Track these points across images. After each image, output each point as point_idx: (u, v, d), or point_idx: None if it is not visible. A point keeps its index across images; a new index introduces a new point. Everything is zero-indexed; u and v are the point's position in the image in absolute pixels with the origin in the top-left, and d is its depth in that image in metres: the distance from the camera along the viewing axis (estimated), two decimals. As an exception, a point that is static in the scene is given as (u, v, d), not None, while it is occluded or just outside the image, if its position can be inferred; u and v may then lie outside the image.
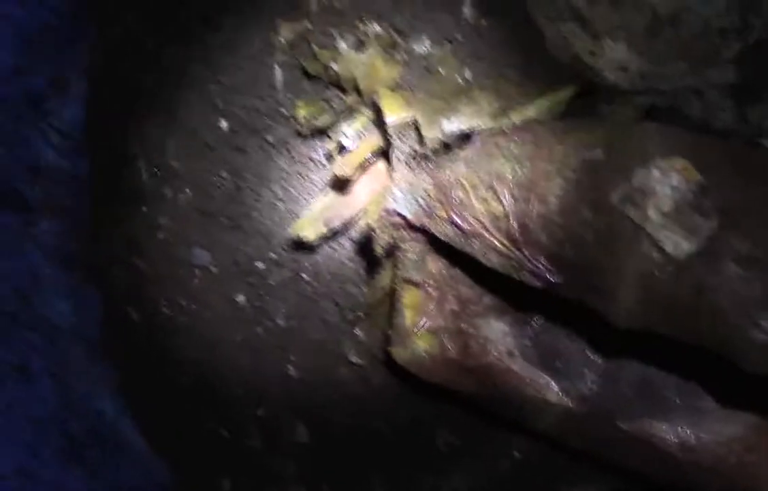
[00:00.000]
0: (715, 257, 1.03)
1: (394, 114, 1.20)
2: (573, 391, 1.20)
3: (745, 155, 1.14)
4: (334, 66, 1.27)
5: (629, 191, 1.06)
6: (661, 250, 1.03)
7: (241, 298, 1.36)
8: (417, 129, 1.19)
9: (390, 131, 1.20)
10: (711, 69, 1.19)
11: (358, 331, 1.32)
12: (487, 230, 1.13)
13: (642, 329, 1.06)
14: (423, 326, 1.23)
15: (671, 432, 1.17)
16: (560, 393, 1.20)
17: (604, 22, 1.23)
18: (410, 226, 1.18)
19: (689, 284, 1.03)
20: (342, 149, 1.26)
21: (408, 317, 1.23)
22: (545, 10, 1.25)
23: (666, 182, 1.06)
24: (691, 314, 1.02)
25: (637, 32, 1.21)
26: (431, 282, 1.22)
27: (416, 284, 1.22)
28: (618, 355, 1.20)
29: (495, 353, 1.22)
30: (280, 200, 1.32)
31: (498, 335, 1.23)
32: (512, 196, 1.12)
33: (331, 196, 1.27)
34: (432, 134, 1.18)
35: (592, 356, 1.22)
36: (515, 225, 1.12)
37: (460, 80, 1.24)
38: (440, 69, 1.25)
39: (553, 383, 1.21)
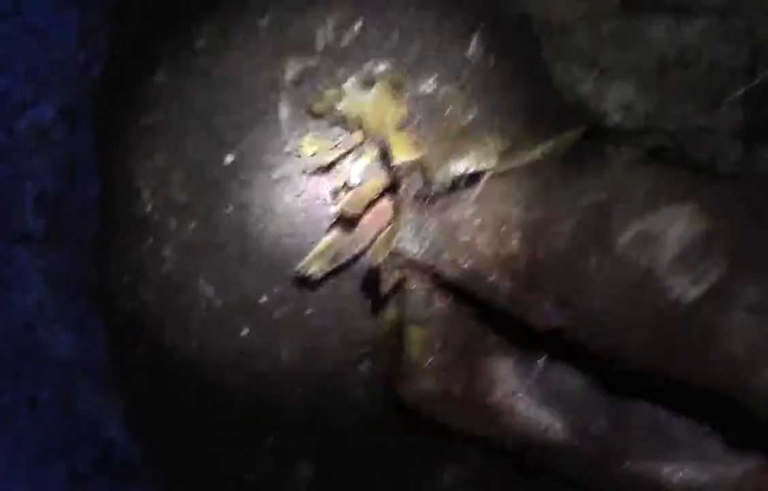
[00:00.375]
0: (724, 302, 1.02)
1: (401, 154, 1.19)
2: (579, 430, 1.18)
3: (754, 198, 1.12)
4: (340, 105, 1.25)
5: (637, 235, 1.05)
6: (670, 295, 1.01)
7: (245, 332, 1.34)
8: (424, 170, 1.17)
9: (397, 171, 1.18)
10: (719, 110, 1.18)
11: (363, 368, 1.30)
12: (494, 273, 1.11)
13: (650, 373, 1.04)
14: (428, 364, 1.21)
15: (678, 474, 1.15)
16: (566, 433, 1.18)
17: (611, 63, 1.21)
18: (416, 266, 1.16)
19: (698, 329, 1.01)
20: (348, 187, 1.25)
21: (414, 355, 1.21)
22: (552, 49, 1.23)
23: (674, 226, 1.04)
24: (700, 359, 1.01)
25: (644, 73, 1.20)
26: (437, 321, 1.21)
27: (422, 323, 1.20)
28: (625, 395, 1.18)
29: (500, 392, 1.21)
30: (286, 235, 1.31)
31: (503, 374, 1.21)
32: (519, 238, 1.10)
33: (337, 233, 1.26)
34: (439, 175, 1.16)
35: (598, 396, 1.20)
36: (522, 268, 1.10)
37: (467, 120, 1.23)
38: (447, 108, 1.24)
39: (558, 422, 1.19)
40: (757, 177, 1.17)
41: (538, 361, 1.23)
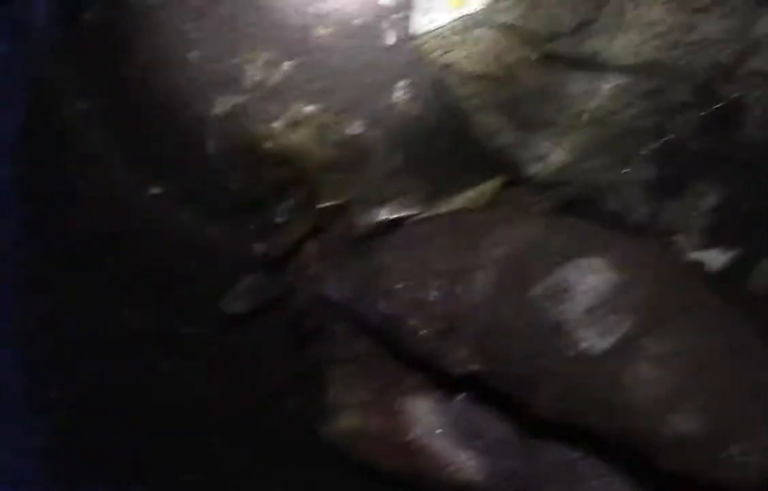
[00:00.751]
0: (630, 354, 1.05)
1: (327, 197, 1.19)
2: (494, 470, 1.21)
3: (658, 254, 1.17)
4: (268, 144, 1.25)
5: (550, 288, 1.08)
6: (580, 346, 1.04)
7: (165, 366, 1.32)
8: (349, 213, 1.18)
9: (322, 213, 1.19)
10: (628, 167, 1.22)
11: (285, 406, 1.30)
12: (413, 317, 1.13)
13: (561, 421, 1.07)
14: (349, 403, 1.22)
15: (589, 513, 1.18)
16: (481, 472, 1.20)
17: (530, 116, 1.24)
18: (339, 308, 1.17)
19: (605, 380, 1.04)
20: (273, 226, 1.25)
21: (334, 394, 1.22)
22: (474, 100, 1.26)
23: (584, 280, 1.08)
24: (607, 410, 1.04)
25: (561, 127, 1.24)
26: (358, 361, 1.22)
27: (343, 363, 1.21)
28: (539, 436, 1.21)
29: (419, 431, 1.22)
30: (211, 271, 1.29)
31: (422, 413, 1.23)
32: (438, 286, 1.13)
33: (262, 272, 1.25)
34: (363, 220, 1.17)
35: (513, 437, 1.23)
36: (441, 314, 1.12)
37: (391, 166, 1.24)
38: (372, 153, 1.25)
39: (473, 461, 1.21)
40: (662, 232, 1.22)
41: (456, 401, 1.25)
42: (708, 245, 1.23)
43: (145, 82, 1.35)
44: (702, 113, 1.22)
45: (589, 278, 1.08)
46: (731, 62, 1.20)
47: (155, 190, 1.33)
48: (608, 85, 1.23)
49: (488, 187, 1.22)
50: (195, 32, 1.31)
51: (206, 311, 1.30)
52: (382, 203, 1.18)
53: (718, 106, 1.22)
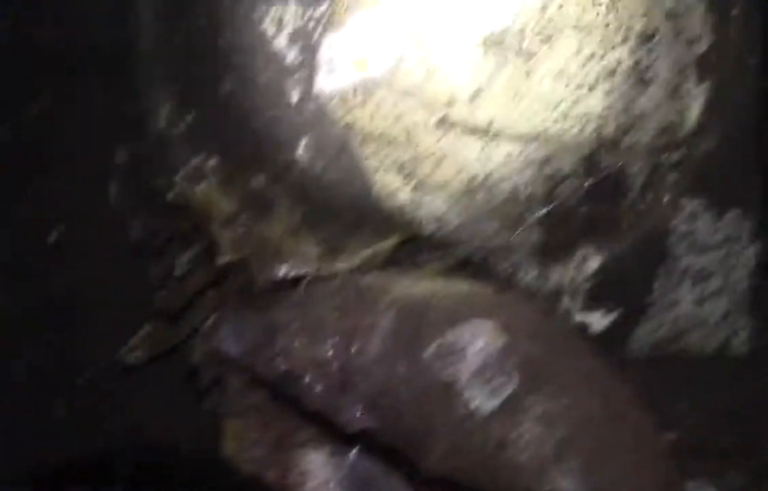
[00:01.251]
0: (516, 414, 1.08)
1: (227, 250, 1.19)
2: (385, 521, 1.21)
3: (545, 316, 1.21)
4: (170, 194, 1.23)
5: (442, 348, 1.10)
6: (469, 407, 1.06)
7: (60, 412, 1.28)
8: (248, 268, 1.17)
9: (221, 266, 1.18)
10: (518, 230, 1.26)
11: (180, 458, 1.27)
12: (308, 375, 1.13)
13: (449, 479, 1.08)
14: (244, 456, 1.20)
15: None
16: (373, 523, 1.20)
17: (427, 180, 1.27)
18: (235, 363, 1.16)
19: (492, 440, 1.07)
20: (173, 277, 1.23)
21: (230, 447, 1.20)
22: (375, 160, 1.28)
23: (474, 341, 1.10)
24: (492, 468, 1.07)
25: (455, 191, 1.26)
26: (254, 414, 1.21)
27: (238, 416, 1.20)
28: (431, 486, 1.22)
29: (313, 484, 1.22)
30: (109, 319, 1.26)
31: (316, 465, 1.22)
32: (334, 343, 1.13)
33: (160, 322, 1.23)
34: (262, 276, 1.17)
35: (406, 488, 1.23)
36: (335, 371, 1.13)
37: (291, 222, 1.24)
38: (274, 208, 1.25)
39: (366, 513, 1.21)
40: (550, 294, 1.26)
41: (350, 454, 1.25)
42: (591, 307, 1.27)
43: (48, 125, 1.31)
44: (587, 182, 1.26)
45: (479, 340, 1.10)
46: (614, 135, 1.25)
47: (54, 235, 1.28)
48: (501, 151, 1.26)
49: (385, 246, 1.23)
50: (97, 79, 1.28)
51: (102, 359, 1.26)
52: (281, 259, 1.18)
53: (602, 176, 1.26)
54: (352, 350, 1.12)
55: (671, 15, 1.24)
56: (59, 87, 1.28)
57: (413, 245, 1.28)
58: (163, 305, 1.23)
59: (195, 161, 1.28)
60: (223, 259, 1.18)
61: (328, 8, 1.28)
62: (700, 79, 1.26)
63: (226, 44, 1.30)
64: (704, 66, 1.26)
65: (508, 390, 1.08)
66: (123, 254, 1.28)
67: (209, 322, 1.23)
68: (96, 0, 1.33)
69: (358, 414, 1.12)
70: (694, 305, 1.28)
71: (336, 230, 1.27)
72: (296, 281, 1.18)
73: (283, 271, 1.18)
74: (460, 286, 1.20)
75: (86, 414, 1.28)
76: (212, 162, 1.28)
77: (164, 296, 1.22)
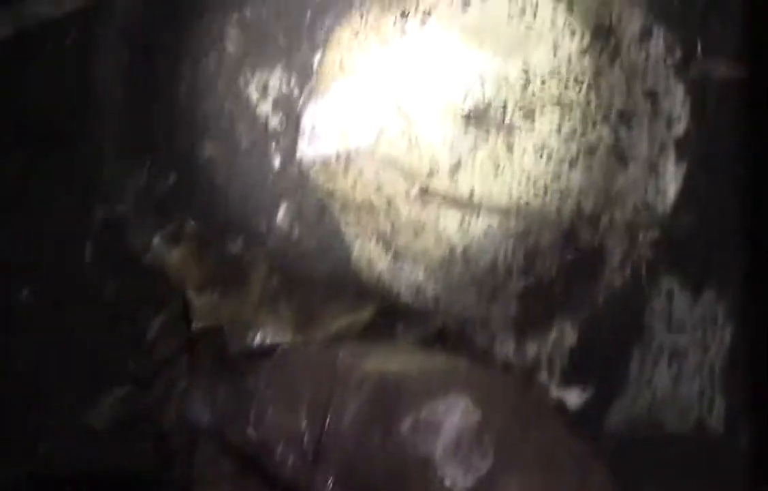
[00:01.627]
0: (489, 492, 1.05)
1: (202, 316, 1.16)
2: None
3: (522, 391, 1.18)
4: (146, 256, 1.21)
5: (417, 423, 1.07)
6: (443, 484, 1.03)
7: (21, 481, 1.23)
8: (222, 335, 1.15)
9: (195, 332, 1.15)
10: (496, 302, 1.24)
11: (146, 526, 1.23)
12: (282, 444, 1.10)
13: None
14: (212, 526, 1.16)
15: None
16: None
17: (406, 249, 1.25)
18: (206, 429, 1.12)
19: (465, 518, 1.03)
20: (145, 341, 1.19)
21: (198, 516, 1.16)
22: (355, 228, 1.26)
23: (450, 417, 1.07)
24: (466, 548, 1.03)
25: (434, 262, 1.25)
26: (223, 484, 1.17)
27: (210, 484, 1.16)
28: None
29: (281, 554, 1.18)
30: (77, 382, 1.22)
31: (286, 535, 1.18)
32: (308, 415, 1.10)
33: (129, 387, 1.19)
34: (236, 343, 1.14)
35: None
36: (309, 443, 1.10)
37: (268, 288, 1.22)
38: (250, 274, 1.22)
39: None
40: (527, 368, 1.24)
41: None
42: (569, 383, 1.25)
43: (23, 180, 1.28)
44: (566, 257, 1.25)
45: (455, 415, 1.08)
46: (594, 211, 1.24)
47: (25, 292, 1.25)
48: (481, 224, 1.25)
49: (362, 315, 1.21)
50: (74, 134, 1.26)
51: (70, 422, 1.22)
52: (256, 326, 1.15)
53: (580, 251, 1.25)
54: (326, 422, 1.09)
55: (651, 95, 1.25)
56: (35, 147, 1.26)
57: (391, 315, 1.26)
58: (134, 369, 1.19)
59: (173, 223, 1.25)
60: (196, 324, 1.15)
61: (312, 76, 1.27)
62: (679, 158, 1.26)
63: (209, 109, 1.28)
64: (682, 146, 1.26)
65: (483, 468, 1.06)
66: (95, 316, 1.24)
67: (181, 388, 1.19)
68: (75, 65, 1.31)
69: (330, 488, 1.08)
70: (670, 384, 1.26)
71: (313, 299, 1.24)
72: (270, 349, 1.15)
73: (257, 339, 1.15)
74: (437, 358, 1.17)
75: (49, 482, 1.23)
76: (190, 225, 1.25)
77: (136, 360, 1.19)
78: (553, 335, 1.27)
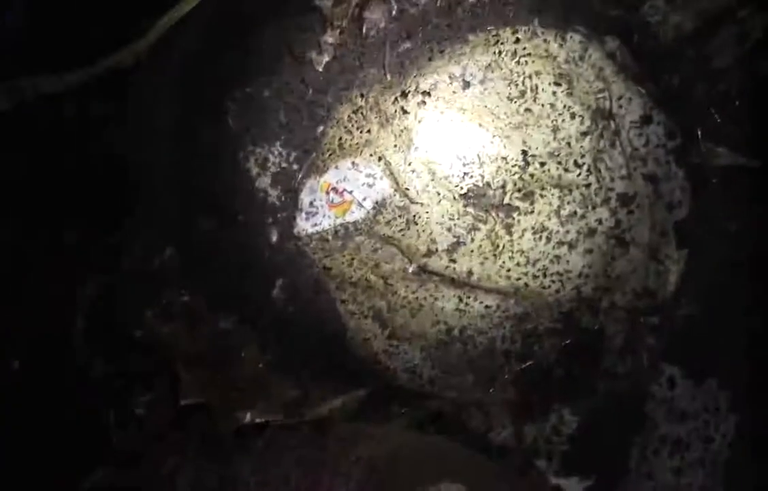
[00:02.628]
0: None
1: (191, 394, 1.10)
2: None
3: (518, 479, 1.12)
4: (137, 331, 1.16)
5: (408, 510, 1.00)
6: None
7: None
8: (211, 413, 1.09)
9: (183, 409, 1.09)
10: (493, 386, 1.19)
11: None
12: (268, 531, 1.03)
13: None
14: None
15: None
16: None
17: (402, 329, 1.21)
18: (192, 513, 1.06)
19: None
20: (133, 417, 1.14)
21: None
22: (351, 305, 1.21)
23: (444, 504, 1.01)
24: None
25: (431, 342, 1.20)
26: None
27: None
28: None
29: None
30: (63, 461, 1.16)
31: None
32: (297, 499, 1.03)
33: (115, 465, 1.13)
34: (225, 423, 1.08)
35: None
36: (297, 529, 1.02)
37: (260, 366, 1.17)
38: (243, 351, 1.17)
39: None
40: (524, 455, 1.18)
41: None
42: (568, 471, 1.18)
43: (14, 251, 1.24)
44: (565, 341, 1.20)
45: (449, 503, 1.01)
46: (594, 295, 1.20)
47: (15, 364, 1.20)
48: (479, 305, 1.21)
49: (356, 396, 1.16)
50: (72, 206, 1.22)
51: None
52: (245, 405, 1.10)
53: (580, 336, 1.20)
54: (315, 506, 1.03)
55: (651, 179, 1.21)
56: (27, 217, 1.22)
57: (385, 395, 1.20)
58: (121, 447, 1.13)
59: (167, 297, 1.21)
60: (185, 400, 1.10)
61: (311, 152, 1.24)
62: (680, 244, 1.22)
63: (208, 182, 1.25)
64: (683, 231, 1.22)
65: (475, 559, 0.99)
66: (82, 392, 1.19)
67: (167, 467, 1.13)
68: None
69: None
70: (671, 476, 1.19)
71: (306, 377, 1.19)
72: (260, 427, 1.09)
73: (247, 417, 1.09)
74: (431, 442, 1.12)
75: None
76: (185, 299, 1.21)
77: (122, 437, 1.13)
78: (551, 421, 1.21)
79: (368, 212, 1.21)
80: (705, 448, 1.21)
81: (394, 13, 1.22)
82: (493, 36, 1.22)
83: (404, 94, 1.21)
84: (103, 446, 1.19)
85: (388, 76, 1.23)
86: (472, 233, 1.20)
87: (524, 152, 1.19)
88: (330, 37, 1.25)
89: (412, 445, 1.10)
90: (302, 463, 1.07)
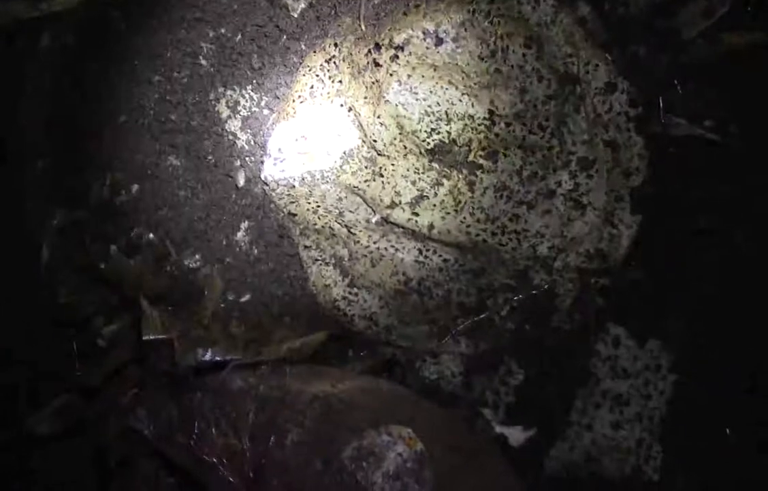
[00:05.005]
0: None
1: (153, 330, 1.10)
2: None
3: (464, 426, 1.14)
4: (103, 264, 1.15)
5: (359, 451, 1.03)
6: (378, 515, 0.99)
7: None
8: (172, 349, 1.09)
9: (145, 344, 1.10)
10: (447, 337, 1.20)
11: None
12: (223, 465, 1.05)
13: None
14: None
15: None
16: None
17: (362, 277, 1.21)
18: (147, 443, 1.07)
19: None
20: (95, 348, 1.14)
21: (137, 528, 1.11)
22: (312, 251, 1.21)
23: (392, 447, 1.04)
24: None
25: (389, 292, 1.21)
26: (163, 496, 1.11)
27: (148, 496, 1.11)
28: None
29: None
30: (21, 385, 1.16)
31: (224, 552, 1.13)
32: (251, 436, 1.06)
33: (75, 394, 1.14)
34: (186, 359, 1.09)
35: None
36: (250, 464, 1.04)
37: (221, 304, 1.17)
38: (205, 289, 1.17)
39: None
40: (472, 403, 1.20)
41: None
42: (512, 421, 1.21)
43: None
44: (518, 297, 1.21)
45: (398, 445, 1.04)
46: (548, 254, 1.21)
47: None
48: (438, 258, 1.21)
49: (313, 339, 1.17)
50: (43, 142, 1.20)
51: (9, 427, 1.16)
52: (207, 343, 1.10)
53: (533, 292, 1.22)
54: (269, 444, 1.04)
55: (611, 145, 1.21)
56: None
57: (342, 341, 1.21)
58: (82, 377, 1.14)
59: (133, 233, 1.20)
60: (147, 336, 1.10)
61: (282, 98, 1.22)
62: (633, 210, 1.23)
63: (177, 121, 1.23)
64: (638, 198, 1.23)
65: (420, 501, 1.01)
66: (46, 319, 1.18)
67: (126, 400, 1.14)
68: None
69: (268, 511, 1.04)
70: (610, 429, 1.23)
71: (266, 319, 1.20)
72: (220, 366, 1.10)
73: (207, 356, 1.10)
74: (384, 389, 1.13)
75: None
76: (150, 237, 1.20)
77: (84, 368, 1.13)
78: (499, 373, 1.24)
79: (335, 161, 1.20)
80: (644, 405, 1.24)
81: (370, -37, 1.20)
82: (468, -6, 1.19)
83: (377, 47, 1.19)
84: (62, 377, 1.19)
85: (363, 27, 1.20)
86: (436, 187, 1.20)
87: (491, 112, 1.18)
88: (306, -16, 1.22)
89: (366, 389, 1.12)
90: (260, 399, 1.08)
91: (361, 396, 1.10)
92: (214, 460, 1.06)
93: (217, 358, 1.11)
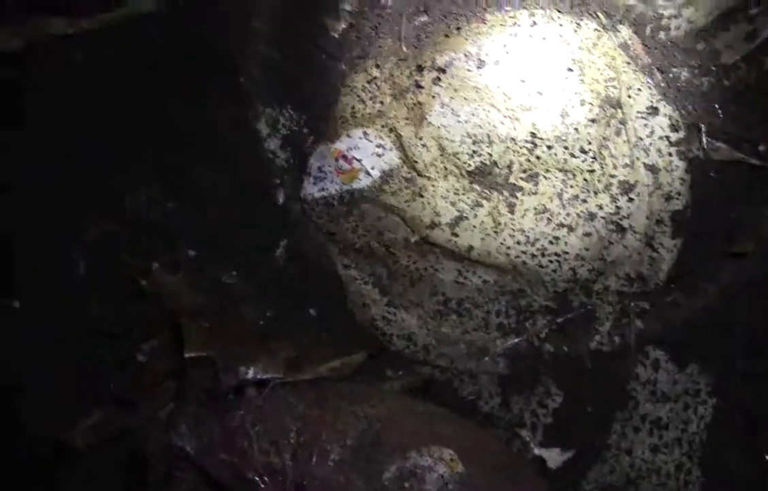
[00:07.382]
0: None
1: (193, 347, 1.12)
2: None
3: (503, 447, 1.15)
4: (142, 280, 1.17)
5: (401, 472, 1.04)
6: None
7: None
8: (213, 367, 1.11)
9: (186, 362, 1.11)
10: (485, 357, 1.21)
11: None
12: (264, 483, 1.06)
13: None
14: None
15: None
16: None
17: (401, 297, 1.22)
18: (188, 459, 1.08)
19: None
20: (134, 363, 1.15)
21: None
22: (351, 270, 1.23)
23: (434, 468, 1.04)
24: None
25: (428, 312, 1.22)
26: (202, 513, 1.12)
27: (186, 513, 1.12)
28: None
29: None
30: (59, 400, 1.17)
31: None
32: (292, 454, 1.07)
33: (114, 407, 1.15)
34: (227, 376, 1.10)
35: None
36: (291, 482, 1.05)
37: (261, 322, 1.18)
38: (244, 306, 1.19)
39: None
40: (510, 424, 1.21)
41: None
42: (550, 442, 1.22)
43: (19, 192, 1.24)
44: (558, 319, 1.22)
45: (439, 466, 1.05)
46: (588, 277, 1.22)
47: (15, 303, 1.21)
48: (477, 278, 1.22)
49: (353, 359, 1.18)
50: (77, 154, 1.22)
51: (47, 440, 1.17)
52: (247, 361, 1.11)
53: (572, 315, 1.22)
54: (310, 463, 1.05)
55: (653, 169, 1.22)
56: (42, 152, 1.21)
57: (380, 360, 1.22)
58: (119, 390, 1.15)
59: (173, 249, 1.21)
60: (189, 353, 1.11)
61: (322, 118, 1.24)
62: (674, 234, 1.23)
63: (217, 138, 1.25)
64: (679, 222, 1.24)
65: (461, 524, 1.02)
66: (84, 333, 1.20)
67: (165, 414, 1.15)
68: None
69: (308, 530, 1.05)
70: (649, 453, 1.23)
71: (306, 337, 1.21)
72: (260, 384, 1.11)
73: (248, 374, 1.11)
74: (424, 409, 1.14)
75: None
76: (190, 253, 1.22)
77: (122, 380, 1.15)
78: (537, 394, 1.24)
79: (375, 181, 1.22)
80: (683, 429, 1.24)
81: (412, -16, 1.21)
82: (510, 17, 1.21)
83: (419, 69, 1.21)
84: (99, 390, 1.20)
85: (404, 49, 1.22)
86: (476, 209, 1.21)
87: (533, 135, 1.20)
88: (347, 5, 1.24)
89: (405, 408, 1.13)
90: (301, 418, 1.09)
91: (401, 415, 1.11)
92: (256, 478, 1.07)
93: (259, 376, 1.12)
